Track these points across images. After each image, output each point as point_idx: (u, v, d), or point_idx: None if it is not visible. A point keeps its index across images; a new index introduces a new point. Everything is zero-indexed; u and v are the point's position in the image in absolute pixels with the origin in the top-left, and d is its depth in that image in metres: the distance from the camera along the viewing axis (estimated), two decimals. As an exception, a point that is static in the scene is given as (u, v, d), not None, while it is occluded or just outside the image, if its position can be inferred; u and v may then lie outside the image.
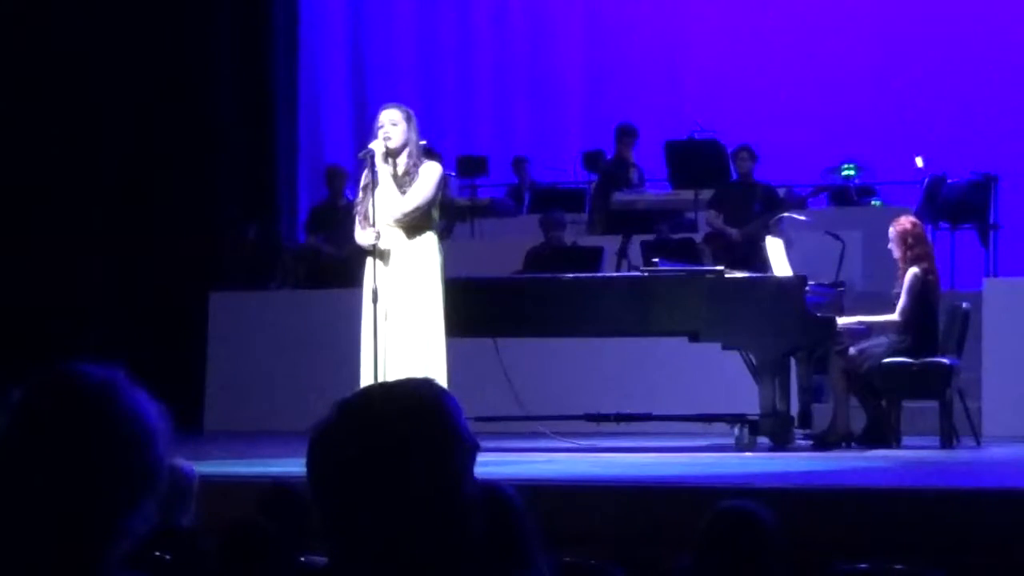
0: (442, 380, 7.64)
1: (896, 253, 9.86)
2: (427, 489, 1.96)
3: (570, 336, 10.30)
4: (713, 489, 6.82)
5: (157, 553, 4.72)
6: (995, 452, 9.59)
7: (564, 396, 10.98)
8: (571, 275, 9.96)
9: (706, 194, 13.28)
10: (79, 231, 13.87)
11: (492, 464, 7.29)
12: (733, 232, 12.70)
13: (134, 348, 10.78)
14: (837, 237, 11.13)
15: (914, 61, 16.06)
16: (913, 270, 9.73)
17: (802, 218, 11.94)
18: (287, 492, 5.17)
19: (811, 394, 10.11)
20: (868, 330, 9.83)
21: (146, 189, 14.03)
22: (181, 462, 5.54)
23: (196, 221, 13.91)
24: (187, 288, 13.28)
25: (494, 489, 3.76)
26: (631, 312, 9.59)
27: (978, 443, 9.97)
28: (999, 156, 14.59)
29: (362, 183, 8.38)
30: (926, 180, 13.18)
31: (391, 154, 8.25)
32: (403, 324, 8.11)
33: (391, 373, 7.87)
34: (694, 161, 13.81)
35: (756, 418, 9.48)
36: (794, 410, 9.67)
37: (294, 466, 6.17)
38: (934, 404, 9.74)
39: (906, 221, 9.99)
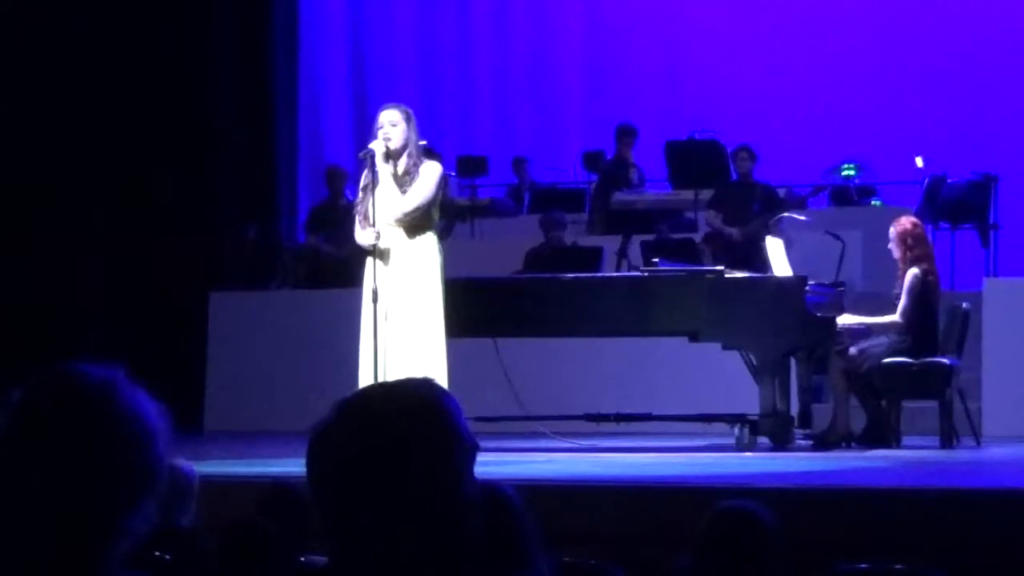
0: (442, 380, 7.64)
1: (896, 253, 9.86)
2: (427, 489, 1.96)
3: (570, 336, 10.30)
4: (713, 489, 6.82)
5: (157, 553, 4.72)
6: (995, 452, 9.59)
7: (564, 396, 10.98)
8: (571, 275, 9.96)
9: (706, 194, 13.28)
10: (79, 231, 13.87)
11: (492, 464, 7.29)
12: (733, 232, 12.70)
13: (134, 348, 10.77)
14: (837, 237, 11.13)
15: (914, 61, 16.06)
16: (913, 270, 9.73)
17: (802, 218, 11.94)
18: (287, 492, 5.17)
19: (811, 394, 10.11)
20: (868, 330, 9.83)
21: (146, 189, 14.03)
22: (181, 462, 5.54)
23: (196, 221, 13.91)
24: (187, 288, 13.28)
25: (494, 489, 3.76)
26: (631, 312, 9.59)
27: (978, 443, 9.97)
28: (999, 156, 14.59)
29: (362, 183, 8.38)
30: (926, 180, 13.18)
31: (391, 154, 8.25)
32: (403, 324, 8.11)
33: (391, 373, 7.86)
34: (694, 161, 13.80)
35: (756, 418, 9.48)
36: (794, 410, 9.67)
37: (294, 466, 6.17)
38: (934, 404, 9.73)
39: (906, 221, 9.99)
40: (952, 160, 14.09)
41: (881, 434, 9.70)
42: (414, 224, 8.24)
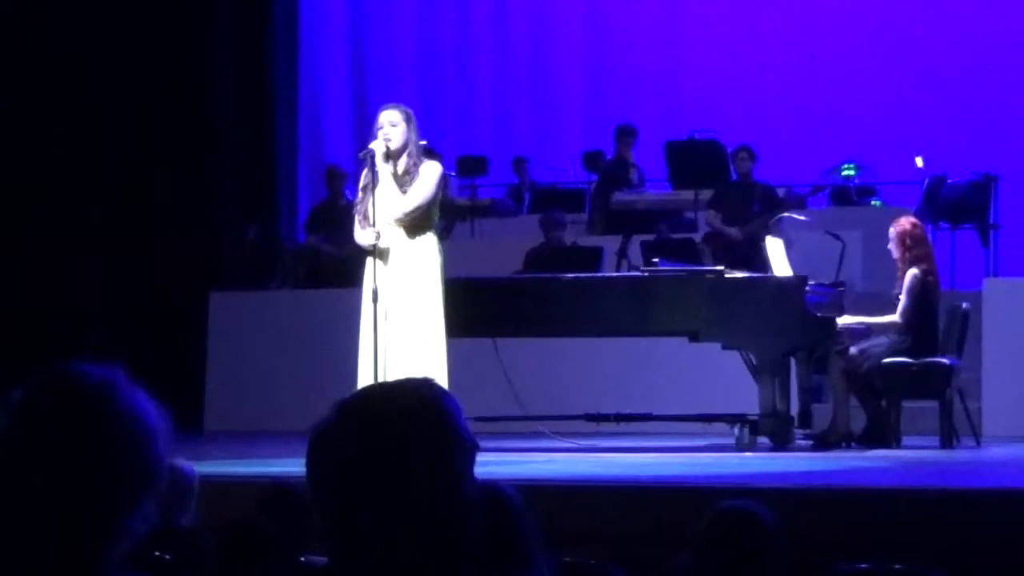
0: (442, 380, 7.64)
1: (895, 254, 9.86)
2: (427, 489, 1.96)
3: (570, 336, 10.30)
4: (713, 489, 6.82)
5: (157, 553, 4.73)
6: (995, 452, 9.59)
7: (564, 396, 10.98)
8: (571, 275, 9.96)
9: (706, 194, 13.28)
10: (79, 231, 13.87)
11: (492, 464, 7.29)
12: (732, 232, 12.70)
13: (134, 348, 10.78)
14: (837, 237, 11.13)
15: (914, 61, 16.06)
16: (912, 271, 9.73)
17: (802, 218, 11.94)
18: (287, 492, 5.17)
19: (811, 394, 10.11)
20: (868, 330, 9.83)
21: (146, 189, 14.03)
22: (181, 462, 5.54)
23: (196, 221, 13.91)
24: (187, 288, 13.28)
25: (494, 489, 3.76)
26: (631, 312, 9.58)
27: (978, 443, 9.97)
28: (999, 156, 14.59)
29: (362, 183, 8.38)
30: (926, 180, 13.18)
31: (391, 154, 8.25)
32: (403, 324, 8.11)
33: (391, 373, 7.86)
34: (694, 161, 13.80)
35: (756, 418, 9.48)
36: (794, 410, 9.67)
37: (294, 466, 6.16)
38: (934, 404, 9.73)
39: (906, 222, 9.99)
40: (952, 160, 14.09)
41: (881, 434, 9.70)
42: (414, 224, 8.24)
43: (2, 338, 13.07)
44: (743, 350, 9.80)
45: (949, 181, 13.17)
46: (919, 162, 13.74)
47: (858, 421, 9.85)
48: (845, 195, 14.27)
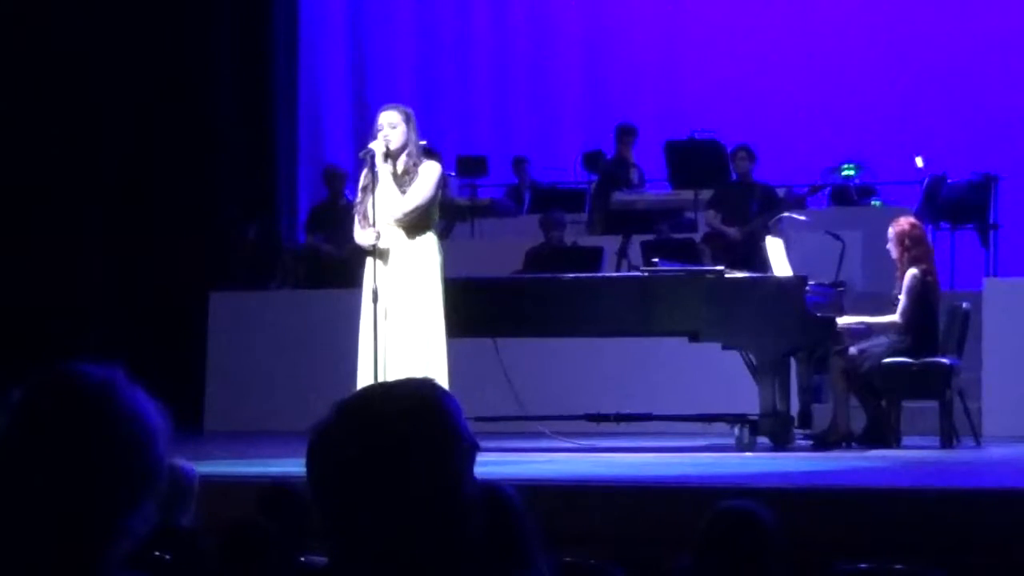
0: (442, 380, 7.64)
1: (894, 254, 9.86)
2: (427, 489, 1.96)
3: (570, 336, 10.30)
4: (713, 489, 6.82)
5: (157, 553, 4.72)
6: (995, 452, 9.59)
7: (564, 396, 10.98)
8: (571, 275, 9.96)
9: (706, 194, 13.28)
10: (79, 231, 13.87)
11: (492, 464, 7.29)
12: (732, 232, 12.71)
13: (134, 348, 10.78)
14: (837, 237, 11.13)
15: (914, 61, 16.06)
16: (912, 271, 9.73)
17: (802, 218, 11.94)
18: (287, 492, 5.17)
19: (811, 394, 10.11)
20: (868, 330, 9.83)
21: (146, 189, 14.03)
22: (181, 462, 5.53)
23: (196, 221, 13.91)
24: (187, 288, 13.28)
25: (494, 489, 3.76)
26: (631, 312, 9.58)
27: (978, 443, 9.97)
28: (999, 156, 14.59)
29: (361, 183, 8.37)
30: (926, 180, 13.18)
31: (391, 155, 8.25)
32: (403, 324, 8.11)
33: (391, 373, 7.87)
34: (694, 161, 13.81)
35: (756, 418, 9.48)
36: (794, 410, 9.67)
37: (294, 466, 6.16)
38: (934, 404, 9.73)
39: (905, 222, 9.99)
40: (952, 160, 14.09)
41: (881, 434, 9.70)
42: (414, 224, 8.24)
43: (2, 338, 13.07)
44: (743, 350, 9.80)
45: (949, 181, 13.17)
46: (919, 162, 13.74)
47: (858, 421, 9.85)
48: (845, 195, 14.27)
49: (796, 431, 9.62)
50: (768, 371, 9.44)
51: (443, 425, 1.99)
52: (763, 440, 9.47)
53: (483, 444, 2.05)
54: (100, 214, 13.98)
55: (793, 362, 9.80)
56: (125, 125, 14.12)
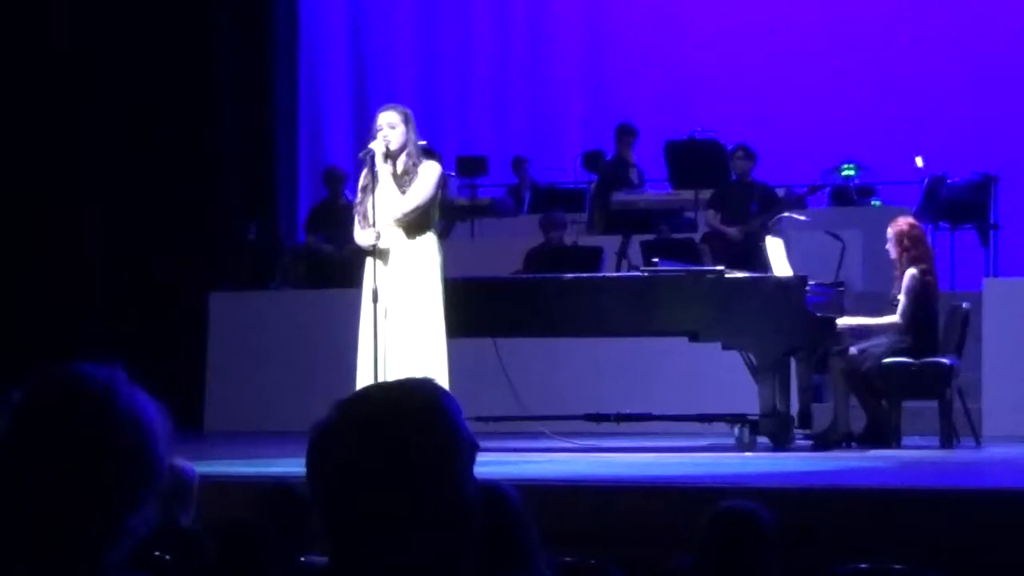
0: (443, 380, 7.64)
1: (893, 254, 9.86)
2: (427, 489, 1.96)
3: (570, 336, 10.30)
4: (713, 489, 6.82)
5: (157, 553, 4.72)
6: (995, 452, 9.58)
7: (564, 396, 10.99)
8: (571, 275, 9.95)
9: (706, 194, 13.28)
10: (79, 231, 13.87)
11: (492, 464, 7.29)
12: (731, 232, 12.71)
13: (134, 348, 10.78)
14: (837, 237, 11.13)
15: (915, 61, 16.06)
16: (911, 271, 9.73)
17: (802, 218, 11.94)
18: (287, 492, 5.16)
19: (811, 394, 10.10)
20: (868, 330, 9.83)
21: (146, 189, 14.03)
22: (181, 462, 5.53)
23: (196, 221, 13.91)
24: (187, 288, 13.28)
25: (494, 489, 3.77)
26: (631, 312, 9.58)
27: (978, 443, 9.97)
28: (999, 156, 14.60)
29: (361, 183, 8.37)
30: (926, 180, 13.18)
31: (390, 155, 8.25)
32: (403, 324, 8.11)
33: (391, 373, 7.87)
34: (694, 161, 13.81)
35: (756, 418, 9.48)
36: (794, 410, 9.66)
37: (294, 466, 6.17)
38: (934, 404, 9.73)
39: (904, 222, 9.99)
40: (952, 160, 14.09)
41: (881, 434, 9.70)
42: (413, 224, 8.24)
43: (2, 338, 13.07)
44: (743, 350, 9.80)
45: (949, 181, 13.17)
46: (919, 162, 13.74)
47: (858, 421, 9.85)
48: (845, 195, 14.27)
49: (796, 431, 9.61)
50: (768, 371, 9.44)
51: (443, 425, 1.99)
52: (763, 440, 9.47)
53: (483, 444, 2.05)
54: (100, 214, 13.97)
55: (793, 362, 9.80)
56: (125, 125, 14.11)
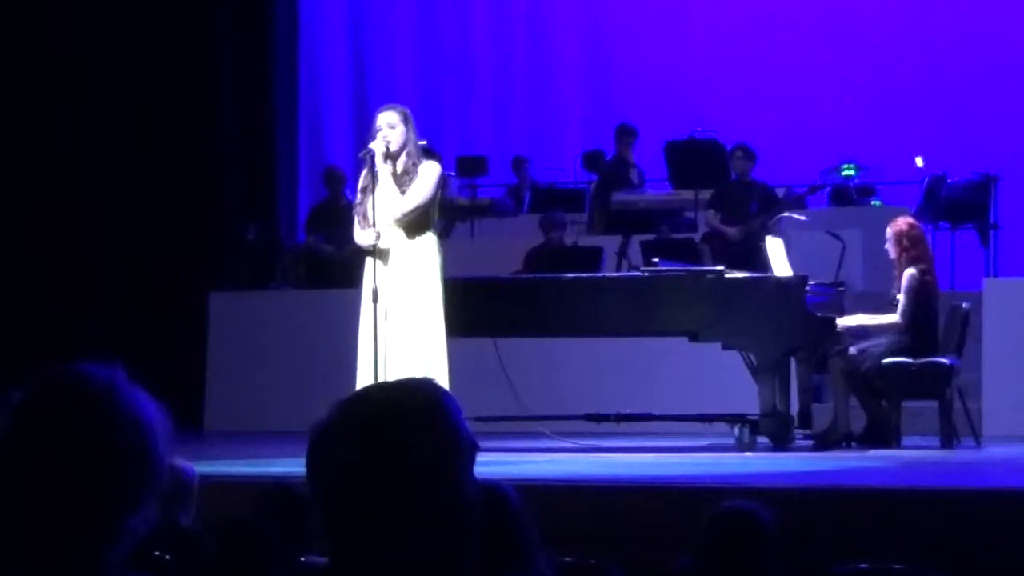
0: (443, 380, 7.64)
1: (892, 254, 9.86)
2: (427, 489, 1.96)
3: (570, 336, 10.30)
4: (713, 489, 6.82)
5: (157, 553, 4.72)
6: (995, 452, 9.58)
7: (564, 396, 10.99)
8: (571, 275, 9.95)
9: (706, 194, 13.28)
10: (79, 231, 13.87)
11: (492, 464, 7.29)
12: (731, 232, 12.71)
13: (134, 348, 10.78)
14: (837, 237, 11.13)
15: (914, 61, 16.06)
16: (910, 271, 9.73)
17: (802, 218, 11.94)
18: (287, 492, 5.16)
19: (811, 394, 10.10)
20: (868, 330, 9.83)
21: (146, 189, 14.03)
22: (181, 462, 5.53)
23: (196, 221, 13.91)
24: (187, 288, 13.28)
25: (494, 489, 3.77)
26: (631, 312, 9.58)
27: (978, 443, 9.97)
28: (999, 156, 14.60)
29: (361, 184, 8.37)
30: (926, 180, 13.18)
31: (390, 155, 8.25)
32: (403, 324, 8.11)
33: (391, 373, 7.87)
34: (694, 161, 13.81)
35: (756, 418, 9.48)
36: (794, 410, 9.66)
37: (294, 466, 6.17)
38: (934, 404, 9.73)
39: (903, 222, 9.99)
40: (952, 160, 14.10)
41: (881, 434, 9.70)
42: (413, 224, 8.24)
43: (2, 338, 13.07)
44: (743, 350, 9.80)
45: (949, 181, 13.17)
46: (919, 162, 13.75)
47: (858, 421, 9.85)
48: (845, 195, 14.27)
49: (796, 431, 9.61)
50: (768, 371, 9.44)
51: (443, 425, 1.99)
52: (763, 440, 9.47)
53: (483, 444, 2.05)
54: (100, 214, 13.98)
55: (793, 362, 9.80)
56: (125, 125, 14.11)
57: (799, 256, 10.36)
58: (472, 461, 2.01)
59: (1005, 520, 6.37)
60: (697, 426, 10.19)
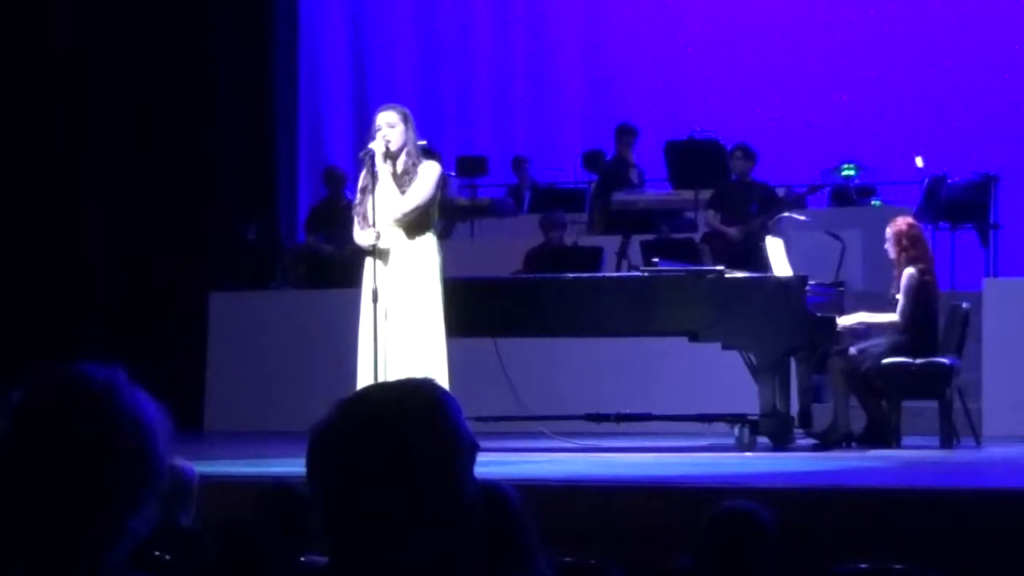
0: (443, 380, 7.64)
1: (892, 254, 9.86)
2: (427, 489, 1.96)
3: (570, 336, 10.30)
4: (713, 489, 6.82)
5: (157, 553, 4.72)
6: (995, 452, 9.58)
7: (564, 396, 10.99)
8: (571, 275, 9.95)
9: (706, 194, 13.28)
10: (79, 231, 13.87)
11: (492, 464, 7.29)
12: (731, 232, 12.70)
13: (134, 348, 10.78)
14: (837, 237, 11.13)
15: (914, 61, 16.06)
16: (910, 270, 9.73)
17: (802, 218, 11.94)
18: (287, 492, 5.16)
19: (811, 394, 10.10)
20: (868, 330, 9.83)
21: (146, 189, 14.03)
22: (181, 462, 5.53)
23: (196, 221, 13.91)
24: (187, 288, 13.28)
25: (494, 489, 3.77)
26: (631, 312, 9.58)
27: (978, 443, 9.96)
28: (999, 156, 14.60)
29: (361, 184, 8.37)
30: (926, 180, 13.17)
31: (390, 155, 8.25)
32: (403, 324, 8.11)
33: (391, 373, 7.86)
34: (694, 161, 13.81)
35: (756, 418, 9.48)
36: (794, 410, 9.67)
37: (294, 466, 6.17)
38: (934, 404, 9.73)
39: (902, 222, 9.99)
40: (952, 160, 14.10)
41: (881, 434, 9.70)
42: (413, 224, 8.24)
43: (2, 338, 13.07)
44: (743, 350, 9.80)
45: (949, 181, 13.17)
46: (919, 162, 13.74)
47: (858, 421, 9.85)
48: (845, 195, 14.27)
49: (796, 431, 9.61)
50: (768, 371, 9.44)
51: (443, 425, 1.99)
52: (763, 440, 9.47)
53: (483, 444, 2.05)
54: (100, 214, 13.98)
55: (793, 362, 9.80)
56: (125, 125, 14.11)
57: (799, 256, 10.36)
58: (472, 461, 2.01)
59: (1005, 520, 6.37)
60: (697, 426, 10.19)
